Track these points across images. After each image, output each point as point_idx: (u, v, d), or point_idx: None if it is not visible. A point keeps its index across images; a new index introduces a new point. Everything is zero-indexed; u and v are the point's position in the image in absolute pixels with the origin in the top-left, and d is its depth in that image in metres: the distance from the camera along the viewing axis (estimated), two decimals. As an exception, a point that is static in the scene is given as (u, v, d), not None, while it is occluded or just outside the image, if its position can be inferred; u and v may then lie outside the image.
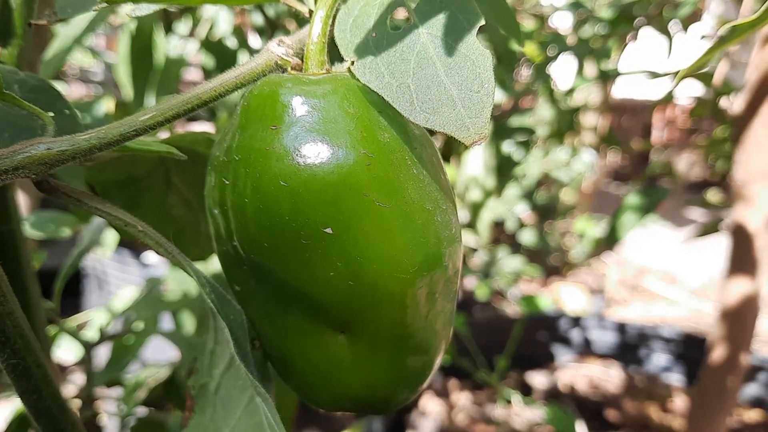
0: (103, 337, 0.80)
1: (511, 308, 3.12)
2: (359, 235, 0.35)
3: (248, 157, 0.37)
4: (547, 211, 3.44)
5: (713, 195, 2.07)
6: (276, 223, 0.36)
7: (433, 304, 0.39)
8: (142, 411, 0.96)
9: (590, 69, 1.76)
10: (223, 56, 1.29)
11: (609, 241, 1.18)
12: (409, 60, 0.36)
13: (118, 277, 2.47)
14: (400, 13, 0.39)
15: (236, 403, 0.45)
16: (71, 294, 2.79)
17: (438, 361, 0.43)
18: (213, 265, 0.80)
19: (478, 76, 0.35)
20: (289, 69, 0.39)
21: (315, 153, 0.35)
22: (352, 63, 0.37)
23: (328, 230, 0.35)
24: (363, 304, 0.37)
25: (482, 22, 0.36)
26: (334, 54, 0.40)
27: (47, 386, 0.44)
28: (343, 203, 0.35)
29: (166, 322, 1.23)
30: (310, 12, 0.41)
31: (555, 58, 1.41)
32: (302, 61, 0.40)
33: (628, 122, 6.19)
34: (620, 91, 4.87)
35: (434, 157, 0.40)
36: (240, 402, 0.45)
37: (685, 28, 1.58)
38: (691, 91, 1.69)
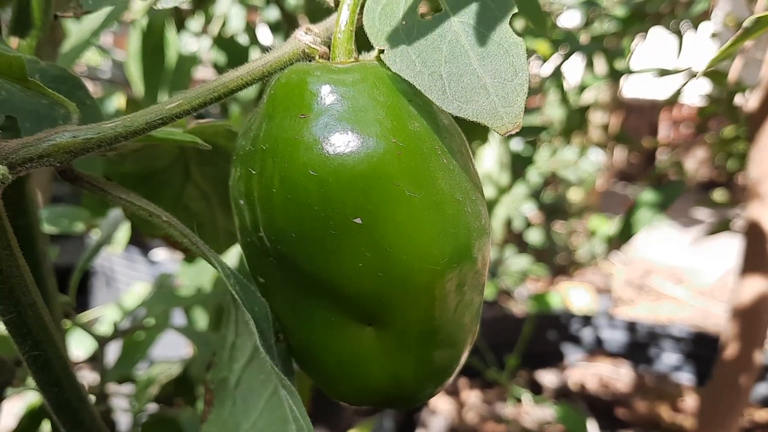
0: (117, 332, 0.79)
1: (518, 307, 3.12)
2: (389, 225, 0.35)
3: (276, 147, 0.36)
4: (554, 211, 3.43)
5: (720, 195, 2.06)
6: (304, 213, 0.35)
7: (462, 296, 0.39)
8: (153, 407, 0.95)
9: (600, 67, 1.75)
10: (235, 53, 1.28)
11: (623, 237, 1.17)
12: (441, 49, 0.35)
13: (127, 275, 2.47)
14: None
15: (257, 397, 0.44)
16: (79, 292, 2.78)
17: (465, 355, 0.42)
18: (230, 260, 0.80)
19: (511, 64, 0.35)
20: (316, 57, 0.39)
21: (345, 142, 0.35)
22: (382, 51, 0.36)
23: (358, 220, 0.35)
24: (392, 295, 0.37)
25: (515, 11, 0.36)
26: (360, 43, 0.40)
27: (67, 378, 0.44)
28: (373, 193, 0.34)
29: (178, 319, 1.22)
30: (337, 1, 0.41)
31: (568, 56, 1.40)
32: (330, 49, 0.39)
33: (635, 122, 6.17)
34: (627, 90, 4.86)
35: (463, 147, 0.39)
36: (261, 396, 0.44)
37: (696, 26, 1.57)
38: (699, 90, 1.68)
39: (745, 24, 0.48)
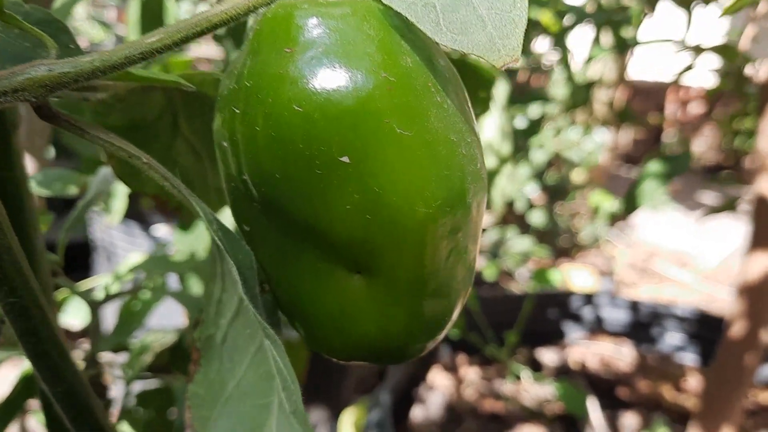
0: (109, 296, 0.78)
1: (519, 288, 3.11)
2: (378, 165, 0.33)
3: (260, 83, 0.34)
4: (557, 192, 3.42)
5: (727, 177, 2.04)
6: (289, 152, 0.33)
7: (455, 244, 0.37)
8: (147, 376, 0.94)
9: (607, 39, 1.72)
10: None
11: (628, 209, 1.15)
12: (436, -22, 0.34)
13: (127, 249, 2.46)
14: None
15: (243, 353, 0.43)
16: (80, 266, 2.79)
17: (458, 309, 0.41)
18: (223, 220, 0.78)
19: (509, -6, 0.33)
20: (304, -9, 0.37)
21: (331, 76, 0.33)
22: (373, -18, 0.34)
23: (345, 159, 0.33)
24: (381, 240, 0.35)
25: (514, -62, 0.34)
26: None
27: (46, 329, 0.42)
28: (361, 129, 0.33)
29: (174, 287, 1.21)
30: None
31: (572, 27, 1.37)
32: (319, -17, 0.37)
33: (641, 104, 6.13)
34: (634, 72, 4.82)
35: (458, 88, 0.37)
36: (247, 352, 0.43)
37: (706, 1, 1.55)
38: (707, 69, 1.66)
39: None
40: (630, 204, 1.12)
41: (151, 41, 0.36)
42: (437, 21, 0.33)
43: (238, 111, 0.36)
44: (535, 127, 1.67)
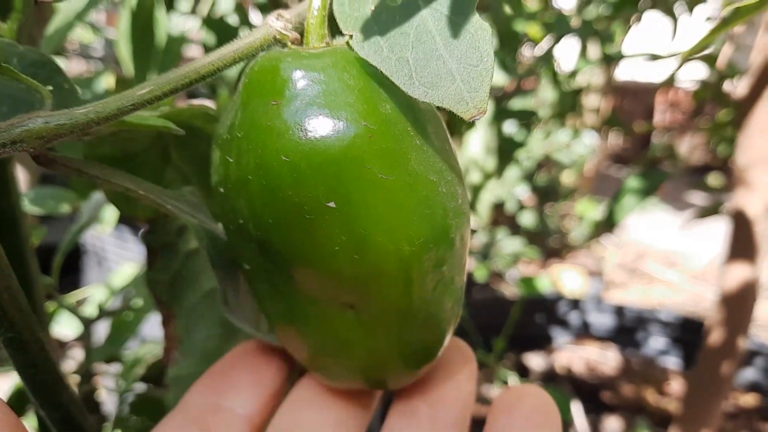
0: (102, 313, 0.80)
1: (510, 290, 3.13)
2: (362, 208, 0.35)
3: (250, 134, 0.36)
4: (547, 194, 3.44)
5: (714, 180, 2.06)
6: (279, 199, 0.36)
7: (441, 277, 0.39)
8: (140, 387, 0.96)
9: (594, 51, 1.74)
10: (224, 33, 1.28)
11: (608, 224, 1.18)
12: (408, 33, 0.36)
13: (118, 254, 2.47)
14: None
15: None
16: (71, 271, 2.80)
17: (449, 337, 0.43)
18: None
19: (477, 50, 0.35)
20: (288, 43, 0.39)
21: (315, 127, 0.35)
22: (351, 37, 0.37)
23: (332, 204, 0.35)
24: (369, 278, 0.37)
25: (484, -3, 0.36)
26: (334, 28, 0.40)
27: (44, 360, 0.44)
28: (345, 176, 0.35)
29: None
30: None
31: (559, 39, 1.39)
32: (302, 35, 0.39)
33: (630, 105, 6.16)
34: (623, 73, 4.85)
35: (439, 128, 0.40)
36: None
37: (691, 9, 1.57)
38: (694, 74, 1.68)
39: (723, 13, 0.48)
40: (610, 219, 1.14)
41: (142, 93, 0.38)
42: (410, 74, 0.35)
43: (231, 160, 0.38)
44: (524, 134, 1.69)
